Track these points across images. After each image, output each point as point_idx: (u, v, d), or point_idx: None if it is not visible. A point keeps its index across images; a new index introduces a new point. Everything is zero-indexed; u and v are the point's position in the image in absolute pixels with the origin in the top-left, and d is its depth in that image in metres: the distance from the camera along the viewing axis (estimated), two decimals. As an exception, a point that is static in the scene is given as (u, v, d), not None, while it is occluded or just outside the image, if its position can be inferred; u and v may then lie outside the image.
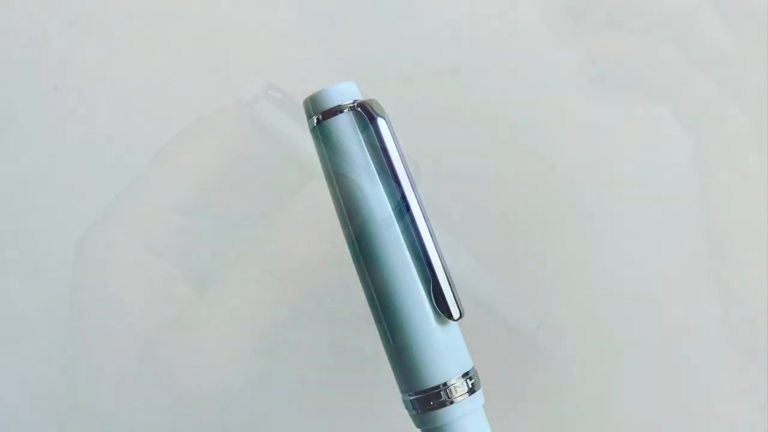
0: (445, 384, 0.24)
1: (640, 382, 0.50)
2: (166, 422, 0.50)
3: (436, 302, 0.24)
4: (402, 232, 0.24)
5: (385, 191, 0.24)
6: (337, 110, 0.24)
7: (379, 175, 0.24)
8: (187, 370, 0.48)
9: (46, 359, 0.49)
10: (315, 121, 0.24)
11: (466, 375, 0.24)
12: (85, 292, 0.48)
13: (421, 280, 0.24)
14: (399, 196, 0.24)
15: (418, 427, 0.25)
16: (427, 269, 0.24)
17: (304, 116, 0.25)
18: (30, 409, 0.49)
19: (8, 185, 0.49)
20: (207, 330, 0.47)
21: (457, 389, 0.24)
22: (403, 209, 0.24)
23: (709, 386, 0.50)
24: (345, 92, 0.25)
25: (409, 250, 0.24)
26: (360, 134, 0.24)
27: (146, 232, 0.46)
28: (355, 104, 0.24)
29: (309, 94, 0.25)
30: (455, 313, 0.24)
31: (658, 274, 0.49)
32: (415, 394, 0.24)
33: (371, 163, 0.24)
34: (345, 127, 0.24)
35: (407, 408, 0.25)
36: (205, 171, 0.45)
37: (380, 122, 0.24)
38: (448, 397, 0.24)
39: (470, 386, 0.25)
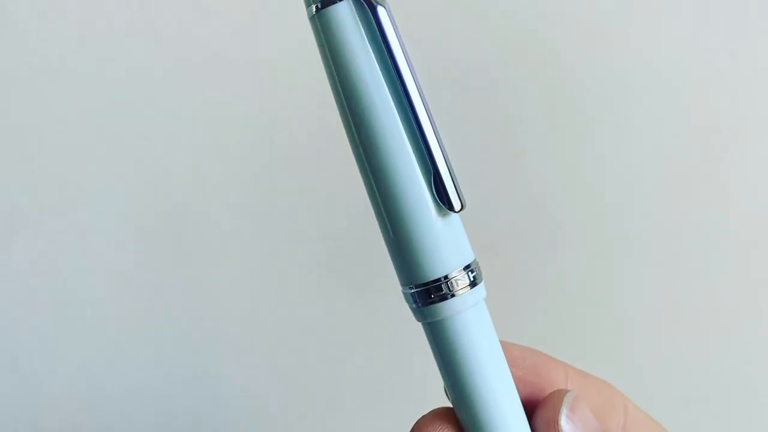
0: (446, 277, 0.24)
1: (640, 275, 0.50)
2: (158, 305, 0.51)
3: (437, 193, 0.24)
4: (402, 123, 0.24)
5: (385, 81, 0.24)
6: (337, -3, 0.24)
7: (379, 65, 0.24)
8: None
9: (41, 254, 0.50)
10: (314, 9, 0.24)
11: (467, 268, 0.25)
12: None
13: (422, 171, 0.24)
14: (399, 86, 0.24)
15: (418, 320, 0.26)
16: (428, 160, 0.24)
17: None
18: (24, 305, 0.50)
19: (4, 77, 0.48)
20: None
21: (459, 282, 0.24)
22: (403, 99, 0.24)
23: (708, 278, 0.50)
24: (344, -20, 0.24)
25: (409, 140, 0.24)
26: (360, 23, 0.24)
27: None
28: (355, -9, 0.24)
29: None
30: (456, 205, 0.24)
31: (660, 169, 0.49)
32: (416, 287, 0.25)
33: (371, 52, 0.24)
34: (345, 15, 0.24)
35: (407, 301, 0.25)
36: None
37: (380, 11, 0.24)
38: (450, 290, 0.24)
39: (472, 279, 0.25)
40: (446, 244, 0.24)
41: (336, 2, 0.24)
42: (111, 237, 0.50)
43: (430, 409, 0.27)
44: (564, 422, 0.26)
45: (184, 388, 0.52)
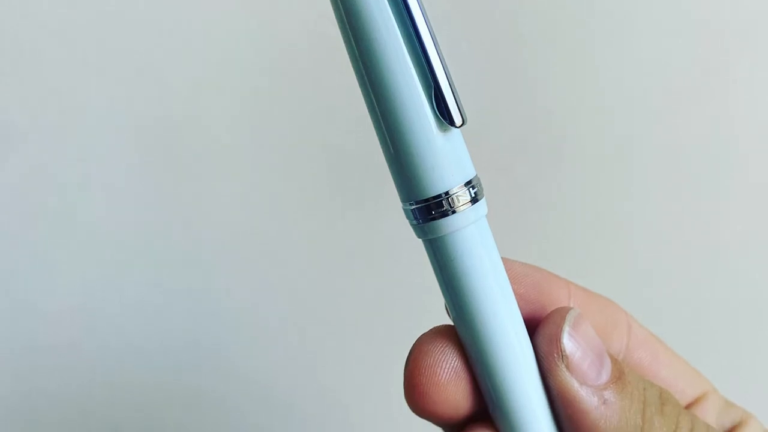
0: (447, 193, 0.24)
1: (645, 192, 0.50)
2: (157, 220, 0.51)
3: (438, 108, 0.24)
4: (403, 37, 0.23)
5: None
6: None
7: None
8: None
9: (37, 169, 0.50)
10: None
11: (468, 184, 0.25)
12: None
13: (423, 86, 0.24)
14: (400, -1, 0.23)
15: (419, 237, 0.26)
16: (429, 74, 0.24)
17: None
18: (20, 221, 0.50)
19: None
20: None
21: (460, 198, 0.24)
22: (403, 12, 0.23)
23: (713, 193, 0.50)
24: None
25: (410, 54, 0.23)
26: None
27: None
28: None
29: None
30: (457, 120, 0.24)
31: (665, 84, 0.49)
32: (416, 203, 0.25)
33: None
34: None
35: (408, 218, 0.25)
36: None
37: None
38: (450, 207, 0.24)
39: (473, 195, 0.25)
40: (447, 159, 0.24)
41: None
42: (109, 152, 0.50)
43: (431, 327, 0.28)
44: (566, 340, 0.26)
45: (182, 304, 0.52)
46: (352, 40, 0.24)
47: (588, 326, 0.27)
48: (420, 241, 0.26)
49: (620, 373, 0.27)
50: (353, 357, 0.54)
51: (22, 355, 0.52)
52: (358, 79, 0.24)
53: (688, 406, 0.32)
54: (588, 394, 0.26)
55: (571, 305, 0.29)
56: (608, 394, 0.26)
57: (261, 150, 0.50)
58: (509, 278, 0.26)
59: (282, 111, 0.50)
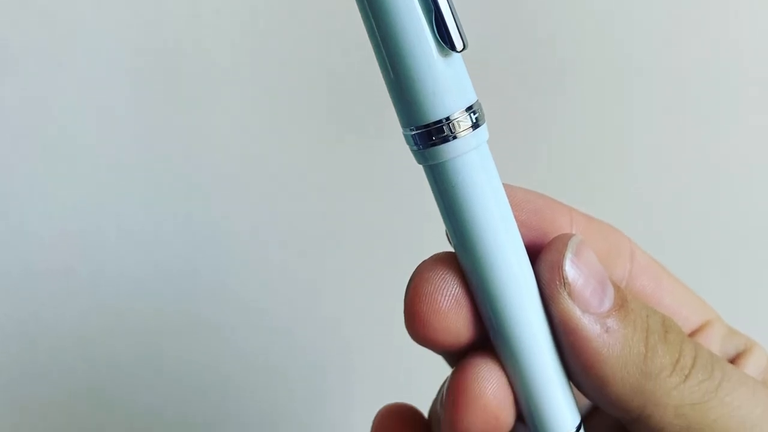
0: (447, 118, 0.24)
1: (648, 115, 0.50)
2: (154, 146, 0.51)
3: (438, 32, 0.24)
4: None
5: None
6: None
7: None
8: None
9: (32, 94, 0.49)
10: None
11: (469, 109, 0.25)
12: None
13: (423, 9, 0.23)
14: None
15: (419, 163, 0.26)
16: (429, -3, 0.23)
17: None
18: (15, 146, 0.50)
19: None
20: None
21: (461, 123, 0.24)
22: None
23: (717, 117, 0.50)
24: None
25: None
26: None
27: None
28: None
29: None
30: (458, 44, 0.24)
31: (668, 6, 0.49)
32: (417, 128, 0.25)
33: None
34: None
35: (408, 143, 0.25)
36: None
37: None
38: (451, 132, 0.24)
39: (474, 120, 0.25)
40: (448, 84, 0.24)
41: None
42: (107, 76, 0.49)
43: (431, 254, 0.28)
44: (568, 267, 0.26)
45: (181, 231, 0.53)
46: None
47: (590, 253, 0.27)
48: (420, 166, 0.26)
49: (623, 301, 0.27)
50: (353, 283, 0.55)
51: (18, 280, 0.52)
52: (357, 3, 0.24)
53: (692, 334, 0.32)
54: (590, 322, 0.26)
55: (574, 232, 0.30)
56: (611, 322, 0.26)
57: (260, 74, 0.50)
58: (511, 204, 0.26)
59: (281, 34, 0.49)
